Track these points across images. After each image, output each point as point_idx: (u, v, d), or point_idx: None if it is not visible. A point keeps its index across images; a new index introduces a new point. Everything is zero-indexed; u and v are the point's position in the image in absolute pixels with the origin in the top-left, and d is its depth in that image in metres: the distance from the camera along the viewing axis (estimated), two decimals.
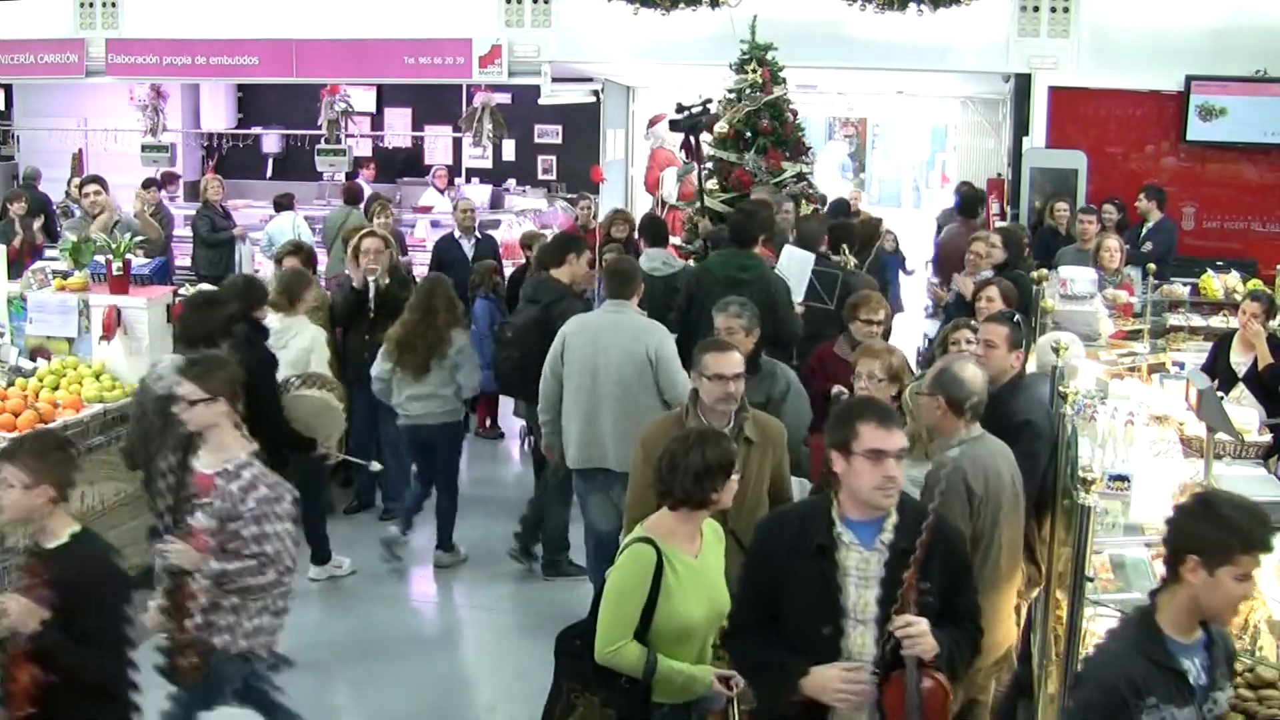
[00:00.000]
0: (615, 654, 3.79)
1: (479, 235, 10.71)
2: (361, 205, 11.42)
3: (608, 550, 5.41)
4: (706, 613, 3.86)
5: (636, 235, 9.58)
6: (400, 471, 8.01)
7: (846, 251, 8.58)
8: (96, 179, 10.41)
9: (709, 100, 10.31)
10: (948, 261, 10.04)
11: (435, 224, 13.35)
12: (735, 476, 3.88)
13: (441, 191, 14.42)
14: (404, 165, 16.14)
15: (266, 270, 11.20)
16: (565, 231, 9.08)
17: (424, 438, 7.37)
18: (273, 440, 5.35)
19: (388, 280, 7.97)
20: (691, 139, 10.01)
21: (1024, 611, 5.06)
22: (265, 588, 4.47)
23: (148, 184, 12.07)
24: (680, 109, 10.16)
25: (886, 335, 6.73)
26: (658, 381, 5.97)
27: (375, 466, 7.68)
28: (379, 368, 7.28)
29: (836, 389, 5.73)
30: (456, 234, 10.72)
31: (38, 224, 10.98)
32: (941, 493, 3.76)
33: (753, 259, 7.18)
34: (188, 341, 5.59)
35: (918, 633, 3.34)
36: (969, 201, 11.34)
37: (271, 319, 6.77)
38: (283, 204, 12.38)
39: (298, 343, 6.95)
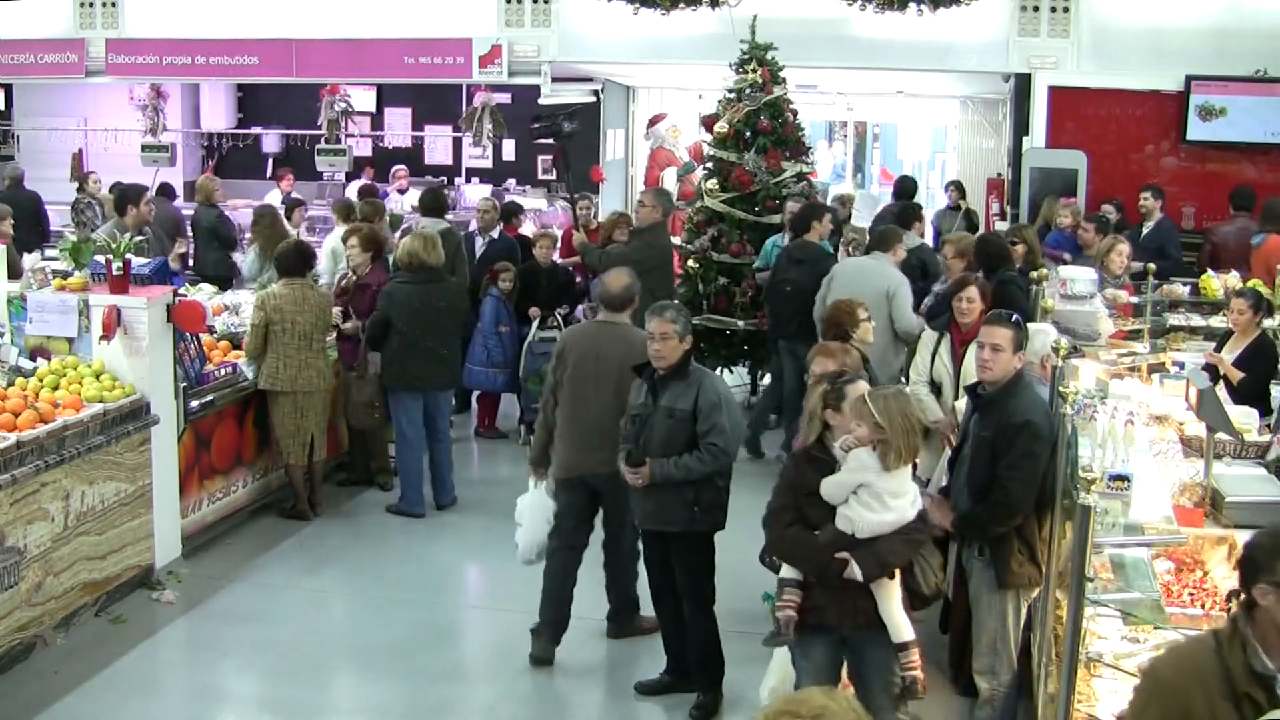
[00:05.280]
0: None
1: (493, 236, 10.66)
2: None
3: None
4: None
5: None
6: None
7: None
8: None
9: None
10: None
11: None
12: None
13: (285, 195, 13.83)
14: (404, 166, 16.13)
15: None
16: (808, 203, 9.70)
17: None
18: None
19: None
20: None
21: (1023, 612, 5.06)
22: None
23: (161, 189, 12.00)
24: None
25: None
26: (891, 314, 7.87)
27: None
28: None
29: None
30: (474, 230, 10.75)
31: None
32: None
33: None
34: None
35: None
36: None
37: None
38: (299, 202, 12.38)
39: None
